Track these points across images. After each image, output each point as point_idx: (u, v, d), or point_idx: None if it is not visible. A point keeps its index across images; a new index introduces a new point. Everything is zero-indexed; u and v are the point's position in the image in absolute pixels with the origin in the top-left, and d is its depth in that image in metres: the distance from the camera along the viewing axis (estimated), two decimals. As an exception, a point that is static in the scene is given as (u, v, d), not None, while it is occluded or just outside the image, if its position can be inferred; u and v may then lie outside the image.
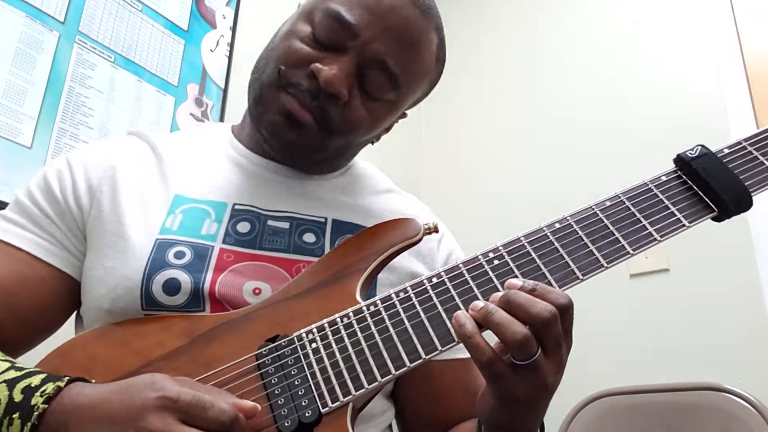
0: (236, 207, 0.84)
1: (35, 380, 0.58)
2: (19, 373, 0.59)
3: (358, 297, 0.71)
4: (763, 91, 2.12)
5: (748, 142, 0.72)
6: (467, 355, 0.87)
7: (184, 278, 0.75)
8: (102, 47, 1.79)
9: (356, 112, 0.82)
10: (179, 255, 0.77)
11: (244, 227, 0.82)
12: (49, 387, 0.57)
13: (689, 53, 2.31)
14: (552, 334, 0.60)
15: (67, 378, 0.58)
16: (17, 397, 0.56)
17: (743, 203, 0.68)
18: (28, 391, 0.57)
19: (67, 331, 0.78)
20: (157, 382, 0.56)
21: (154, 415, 0.53)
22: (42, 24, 1.65)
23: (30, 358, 0.68)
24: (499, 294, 0.62)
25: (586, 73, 2.55)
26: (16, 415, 0.55)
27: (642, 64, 2.41)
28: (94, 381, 0.60)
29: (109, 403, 0.55)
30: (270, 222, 0.84)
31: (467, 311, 0.64)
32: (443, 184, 2.81)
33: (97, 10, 1.79)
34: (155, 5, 1.95)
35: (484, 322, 0.61)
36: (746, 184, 0.69)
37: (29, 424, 0.54)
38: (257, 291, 0.77)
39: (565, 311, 0.61)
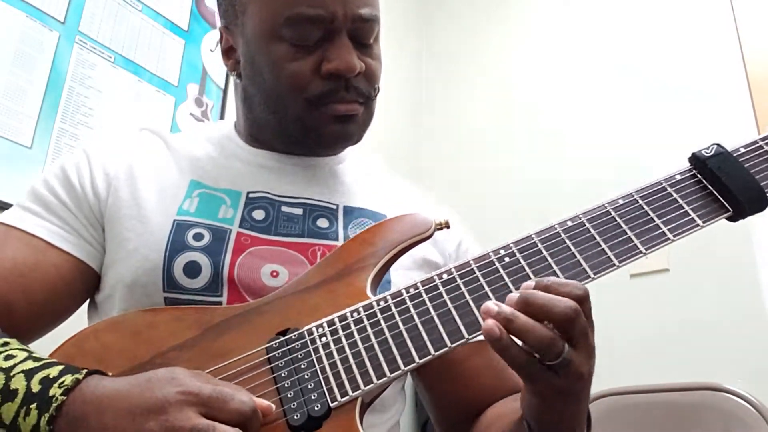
0: (250, 195, 0.86)
1: (53, 371, 0.58)
2: (36, 364, 0.59)
3: (368, 292, 0.71)
4: (763, 91, 2.12)
5: (765, 141, 0.71)
6: None
7: (205, 261, 0.77)
8: (102, 47, 1.79)
9: (372, 67, 0.86)
10: (198, 237, 0.79)
11: (259, 214, 0.84)
12: (68, 379, 0.57)
13: (689, 54, 2.32)
14: (578, 328, 0.59)
15: (86, 370, 0.58)
16: (35, 387, 0.56)
17: (759, 203, 0.67)
18: (46, 382, 0.57)
19: (78, 325, 0.78)
20: (178, 377, 0.57)
21: (176, 408, 0.54)
22: (42, 24, 1.65)
23: (43, 348, 0.68)
24: (515, 295, 0.61)
25: (587, 70, 2.56)
26: (33, 406, 0.55)
27: (642, 63, 2.42)
28: (111, 374, 0.60)
29: (130, 397, 0.55)
30: (284, 208, 0.85)
31: (477, 310, 0.64)
32: (443, 180, 2.81)
33: (97, 10, 1.79)
34: (155, 5, 1.95)
35: (505, 328, 0.60)
36: (762, 184, 0.68)
37: (47, 415, 0.54)
38: (275, 274, 0.78)
39: (584, 302, 0.61)
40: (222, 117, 2.06)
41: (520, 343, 0.60)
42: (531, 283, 0.62)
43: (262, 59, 0.84)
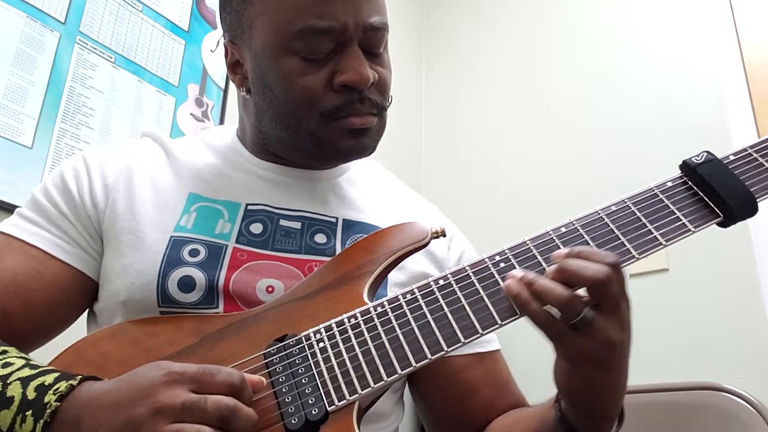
0: (249, 207, 0.85)
1: (48, 378, 0.59)
2: (33, 371, 0.60)
3: (365, 298, 0.71)
4: (763, 91, 2.12)
5: (754, 149, 0.72)
6: (489, 348, 0.88)
7: (199, 275, 0.77)
8: (102, 47, 1.79)
9: (384, 77, 0.84)
10: (194, 253, 0.79)
11: (256, 228, 0.83)
12: (62, 385, 0.57)
13: (689, 53, 2.32)
14: (610, 293, 0.61)
15: (80, 377, 0.59)
16: (30, 395, 0.57)
17: (749, 209, 0.68)
18: (42, 390, 0.58)
19: (78, 332, 0.78)
20: (162, 363, 0.58)
21: (164, 389, 0.55)
22: (43, 24, 1.66)
23: (44, 356, 0.69)
24: (554, 267, 0.64)
25: (586, 72, 2.56)
26: (29, 413, 0.56)
27: (642, 64, 2.41)
28: (106, 380, 0.61)
29: (117, 390, 0.56)
30: (282, 222, 0.85)
31: (474, 315, 0.65)
32: (443, 183, 2.81)
33: (97, 10, 1.80)
34: (156, 6, 1.96)
35: (529, 291, 0.63)
36: (752, 190, 0.69)
37: (42, 421, 0.55)
38: (270, 289, 0.78)
39: (616, 268, 0.62)
40: (222, 117, 2.06)
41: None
42: (562, 251, 0.65)
43: (273, 74, 0.82)
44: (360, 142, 0.83)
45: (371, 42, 0.82)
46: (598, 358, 0.63)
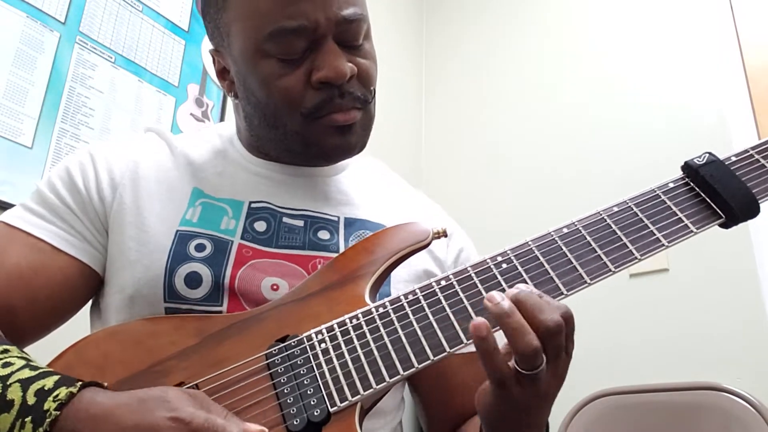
0: (252, 205, 0.85)
1: (48, 383, 0.58)
2: (33, 373, 0.60)
3: (366, 299, 0.71)
4: (763, 92, 2.12)
5: (756, 150, 0.72)
6: None
7: (205, 271, 0.77)
8: (102, 47, 1.79)
9: (365, 68, 0.83)
10: (200, 248, 0.79)
11: (260, 226, 0.84)
12: (62, 392, 0.57)
13: (689, 55, 2.32)
14: (555, 344, 0.60)
15: (80, 384, 0.58)
16: (30, 399, 0.57)
17: (751, 210, 0.68)
18: (41, 395, 0.57)
19: (80, 330, 0.78)
20: (172, 401, 0.56)
21: None
22: (43, 24, 1.66)
23: (45, 354, 0.69)
24: (513, 291, 0.62)
25: (588, 72, 2.56)
26: (28, 419, 0.56)
27: (643, 65, 2.42)
28: (106, 384, 0.60)
29: (121, 416, 0.55)
30: (285, 219, 0.85)
31: (476, 315, 0.65)
32: (444, 181, 2.81)
33: (97, 10, 1.80)
34: (156, 6, 1.96)
35: (499, 321, 0.61)
36: (754, 191, 0.69)
37: (41, 429, 0.55)
38: (275, 287, 0.78)
39: (568, 320, 0.61)
40: (222, 117, 2.06)
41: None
42: (522, 286, 0.63)
43: (253, 78, 0.82)
44: (346, 140, 0.83)
45: (347, 35, 0.81)
46: (526, 408, 0.63)
